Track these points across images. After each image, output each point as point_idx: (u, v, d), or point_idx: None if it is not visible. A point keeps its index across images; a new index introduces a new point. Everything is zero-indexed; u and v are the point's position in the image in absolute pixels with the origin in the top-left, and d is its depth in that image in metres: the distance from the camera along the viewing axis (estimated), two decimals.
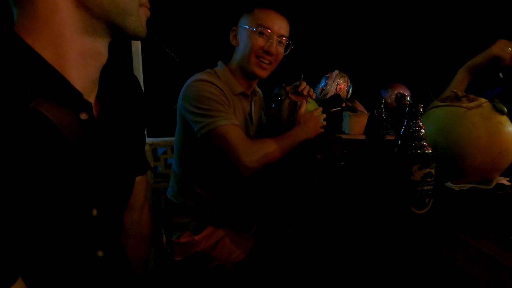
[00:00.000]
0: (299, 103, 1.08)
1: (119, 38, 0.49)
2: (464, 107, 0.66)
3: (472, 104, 0.66)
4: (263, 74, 1.02)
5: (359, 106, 1.76)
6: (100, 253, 0.49)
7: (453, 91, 0.70)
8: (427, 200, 0.53)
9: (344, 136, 1.37)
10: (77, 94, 0.43)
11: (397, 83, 1.94)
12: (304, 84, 1.13)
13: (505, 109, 0.65)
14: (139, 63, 1.65)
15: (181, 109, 0.97)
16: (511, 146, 0.64)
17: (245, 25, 1.00)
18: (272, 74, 1.08)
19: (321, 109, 1.10)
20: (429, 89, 0.99)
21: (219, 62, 1.08)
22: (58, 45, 0.42)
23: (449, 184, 0.68)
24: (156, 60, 1.89)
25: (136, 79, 0.62)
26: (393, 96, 1.90)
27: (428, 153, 0.52)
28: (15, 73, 0.39)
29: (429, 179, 0.52)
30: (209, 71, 1.03)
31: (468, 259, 0.44)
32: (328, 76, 1.82)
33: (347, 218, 0.69)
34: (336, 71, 1.83)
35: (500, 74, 0.97)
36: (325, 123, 1.08)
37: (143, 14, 0.48)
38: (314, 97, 1.16)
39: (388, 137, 1.20)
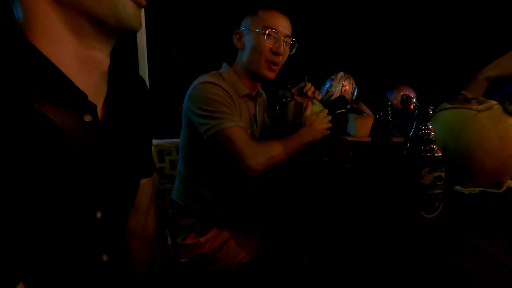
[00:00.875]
0: (304, 104, 1.08)
1: (112, 37, 0.45)
2: (474, 110, 0.65)
3: (482, 107, 0.65)
4: (272, 76, 1.03)
5: (364, 108, 1.74)
6: (105, 257, 0.48)
7: (462, 93, 0.69)
8: (436, 204, 0.53)
9: (350, 138, 1.37)
10: (82, 95, 0.42)
11: (403, 85, 1.93)
12: (309, 85, 1.13)
13: None
14: (145, 65, 1.66)
15: (187, 111, 0.97)
16: None
17: (250, 28, 1.00)
18: (277, 75, 1.08)
19: (326, 110, 1.10)
20: (438, 92, 0.98)
21: (224, 64, 1.08)
22: (56, 45, 0.41)
23: (458, 187, 0.67)
24: (161, 62, 1.90)
25: (143, 81, 0.62)
26: (399, 98, 1.89)
27: (438, 156, 0.52)
28: (21, 73, 0.38)
29: (439, 183, 0.52)
30: (214, 73, 1.03)
31: (478, 263, 0.43)
32: (333, 78, 1.81)
33: (354, 220, 0.69)
34: (341, 73, 1.82)
35: None
36: (330, 124, 1.08)
37: None
38: (319, 98, 1.15)
39: (394, 139, 1.19)
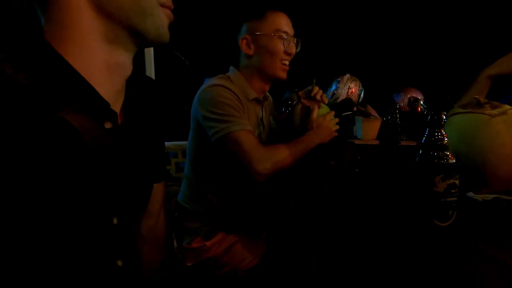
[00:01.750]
0: (311, 107, 1.07)
1: (143, 46, 0.48)
2: (487, 114, 0.64)
3: (495, 111, 0.64)
4: (285, 76, 1.06)
5: (371, 110, 1.73)
6: (119, 263, 0.48)
7: (475, 98, 0.68)
8: (450, 212, 0.51)
9: (357, 141, 1.35)
10: (105, 103, 0.43)
11: (410, 87, 1.90)
12: (316, 88, 1.12)
13: None
14: (151, 67, 1.66)
15: (196, 114, 0.97)
16: None
17: (261, 32, 1.00)
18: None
19: (333, 113, 1.09)
20: (448, 95, 0.96)
21: (231, 68, 1.08)
22: (84, 53, 0.42)
23: (471, 194, 0.66)
24: (167, 64, 1.90)
25: (157, 85, 0.62)
26: (406, 100, 1.87)
27: (452, 163, 0.51)
28: (47, 82, 0.39)
29: (453, 191, 0.50)
30: (223, 76, 1.03)
31: (490, 272, 0.42)
32: (339, 80, 1.80)
33: (363, 224, 0.68)
34: (348, 75, 1.80)
35: None
36: (338, 126, 1.07)
37: (164, 14, 0.46)
38: (326, 101, 1.15)
39: (403, 143, 1.17)
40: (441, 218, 0.51)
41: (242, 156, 0.89)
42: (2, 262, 0.37)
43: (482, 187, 0.65)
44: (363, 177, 0.93)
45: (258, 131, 1.07)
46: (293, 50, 1.03)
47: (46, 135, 0.38)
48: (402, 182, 0.64)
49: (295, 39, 1.04)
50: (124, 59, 0.46)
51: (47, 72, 0.39)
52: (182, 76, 1.94)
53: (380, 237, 0.59)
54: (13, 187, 0.36)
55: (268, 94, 1.17)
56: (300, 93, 1.16)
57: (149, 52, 1.66)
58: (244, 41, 1.03)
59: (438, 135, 0.52)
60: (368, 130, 1.41)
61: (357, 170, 0.96)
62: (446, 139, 0.52)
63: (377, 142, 1.29)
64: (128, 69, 0.47)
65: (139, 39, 0.45)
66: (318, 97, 1.11)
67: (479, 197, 0.65)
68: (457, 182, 0.51)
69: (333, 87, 1.80)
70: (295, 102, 1.16)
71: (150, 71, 1.67)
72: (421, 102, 1.82)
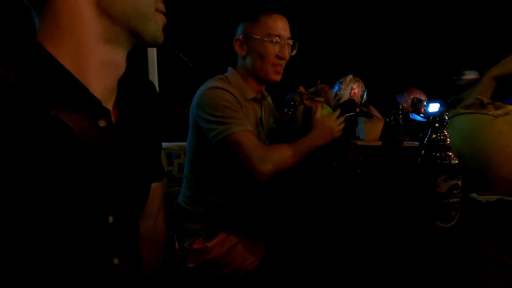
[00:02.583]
0: (314, 108, 1.07)
1: (138, 47, 0.50)
2: (491, 115, 0.63)
3: (499, 112, 0.63)
4: (279, 78, 1.05)
5: (374, 111, 1.72)
6: (115, 261, 0.49)
7: (478, 98, 0.67)
8: (453, 213, 0.51)
9: (359, 142, 1.35)
10: (96, 101, 0.44)
11: (413, 88, 1.90)
12: (322, 87, 1.12)
13: None
14: (154, 68, 1.67)
15: (195, 117, 0.98)
16: None
17: (253, 35, 1.00)
18: (284, 79, 1.08)
19: (337, 113, 1.08)
20: (451, 96, 0.96)
21: (230, 68, 1.08)
22: (79, 53, 0.43)
23: (474, 195, 0.65)
24: (170, 65, 1.91)
25: (153, 86, 0.62)
26: (409, 101, 1.86)
27: (454, 164, 0.50)
28: (39, 82, 0.40)
29: (455, 191, 0.50)
30: (221, 77, 1.04)
31: (492, 273, 0.42)
32: (342, 81, 1.79)
33: (365, 224, 0.67)
34: (350, 76, 1.80)
35: None
36: (343, 125, 1.07)
37: (159, 19, 0.49)
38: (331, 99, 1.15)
39: (405, 144, 1.16)
40: (443, 219, 0.51)
41: (243, 156, 0.89)
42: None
43: (485, 188, 0.65)
44: (365, 178, 0.93)
45: (257, 131, 1.07)
46: (285, 54, 1.01)
47: (40, 133, 0.38)
48: (404, 183, 0.64)
49: (290, 42, 1.03)
50: (119, 58, 0.47)
51: (39, 72, 0.40)
52: (184, 77, 1.94)
53: (382, 238, 0.59)
54: (8, 185, 0.37)
55: (266, 93, 1.17)
56: (302, 89, 1.16)
57: (152, 54, 1.67)
58: (237, 42, 1.04)
59: (440, 136, 0.52)
60: (371, 131, 1.40)
61: (359, 171, 0.96)
62: (448, 139, 0.52)
63: (379, 143, 1.28)
64: (121, 68, 0.48)
65: (137, 40, 0.47)
66: (323, 93, 1.11)
67: (482, 198, 0.64)
68: (459, 183, 0.50)
69: (336, 88, 1.79)
70: (297, 103, 1.16)
71: (153, 72, 1.68)
72: (425, 103, 1.81)
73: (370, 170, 0.98)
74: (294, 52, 1.06)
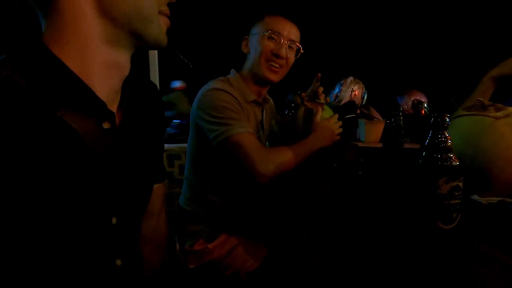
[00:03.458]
0: (314, 110, 1.07)
1: (141, 49, 0.50)
2: (492, 117, 0.63)
3: (500, 114, 0.63)
4: (274, 77, 1.03)
5: (374, 113, 1.73)
6: (118, 262, 0.49)
7: (479, 100, 0.67)
8: (454, 214, 0.51)
9: (360, 144, 1.35)
10: (102, 104, 0.44)
11: (414, 90, 1.90)
12: (321, 88, 1.12)
13: None
14: (155, 70, 1.68)
15: (196, 118, 0.98)
16: None
17: (255, 32, 1.03)
18: (285, 81, 1.08)
19: (337, 116, 1.09)
20: (452, 97, 0.96)
21: (232, 70, 1.09)
22: (83, 55, 0.43)
23: (475, 197, 0.65)
24: (172, 67, 1.92)
25: (155, 88, 0.63)
26: (410, 103, 1.86)
27: (455, 166, 0.50)
28: (45, 83, 0.40)
29: (456, 193, 0.50)
30: (222, 79, 1.04)
31: (493, 274, 0.42)
32: (342, 83, 1.80)
33: (365, 226, 0.67)
34: (351, 78, 1.81)
35: None
36: (341, 130, 1.07)
37: (163, 22, 0.49)
38: (328, 101, 1.15)
39: (406, 145, 1.16)
40: (445, 220, 0.51)
41: (244, 158, 0.89)
42: (2, 261, 0.38)
43: (486, 189, 0.65)
44: (365, 179, 0.93)
45: (257, 133, 1.08)
46: (282, 52, 0.99)
47: (44, 134, 0.39)
48: (405, 184, 0.64)
49: (292, 45, 1.02)
50: (123, 59, 0.47)
51: (44, 74, 0.41)
52: (186, 78, 1.95)
53: (383, 239, 0.59)
54: (13, 186, 0.37)
55: (268, 97, 1.18)
56: (303, 94, 1.16)
57: (154, 56, 1.68)
58: (245, 41, 1.06)
59: (441, 138, 0.52)
60: (371, 132, 1.41)
61: (360, 172, 0.96)
62: (449, 141, 0.52)
63: (380, 144, 1.28)
64: (126, 70, 0.49)
65: (139, 42, 0.47)
66: (320, 93, 1.11)
67: (483, 200, 0.64)
68: (460, 184, 0.50)
69: (336, 90, 1.80)
70: (298, 105, 1.17)
71: (154, 74, 1.69)
72: (425, 105, 1.82)
73: (371, 171, 0.98)
74: (296, 56, 1.06)
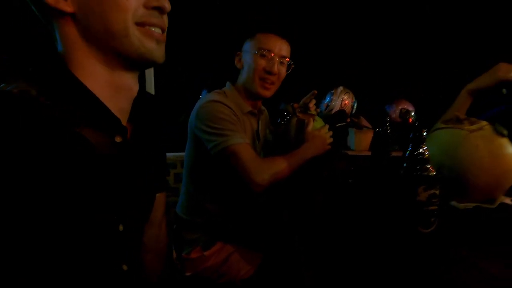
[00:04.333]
0: (306, 121, 1.12)
1: (142, 67, 0.51)
2: (466, 130, 0.69)
3: (473, 127, 0.69)
4: (267, 94, 1.09)
5: (364, 121, 1.78)
6: (124, 267, 0.52)
7: (455, 114, 0.73)
8: (432, 219, 0.56)
9: (350, 152, 1.40)
10: (116, 120, 0.48)
11: (402, 99, 1.97)
12: (313, 101, 1.18)
13: (506, 131, 0.68)
14: (151, 79, 1.71)
15: (194, 129, 1.02)
16: None
17: (248, 49, 1.08)
18: (278, 90, 1.13)
19: (327, 126, 1.14)
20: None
21: (228, 83, 1.13)
22: (91, 76, 0.46)
23: (454, 203, 0.71)
24: (167, 76, 1.95)
25: (157, 100, 0.66)
26: (398, 112, 1.93)
27: (432, 175, 0.56)
28: (65, 101, 0.44)
29: (434, 200, 0.55)
30: (219, 92, 1.09)
31: (470, 276, 0.45)
32: (333, 92, 1.86)
33: (355, 233, 0.71)
34: (341, 87, 1.87)
35: (504, 90, 0.99)
36: (332, 140, 1.12)
37: (142, 34, 0.45)
38: (318, 110, 1.20)
39: (394, 153, 1.22)
40: (424, 224, 0.56)
41: (240, 168, 0.93)
42: (13, 267, 0.41)
43: (464, 196, 0.70)
44: (355, 187, 0.97)
45: (253, 143, 1.12)
46: (273, 69, 1.04)
47: (64, 148, 0.42)
48: (390, 192, 0.69)
49: (284, 60, 1.07)
50: (128, 81, 0.49)
51: (66, 92, 0.44)
52: (181, 88, 1.98)
53: (372, 246, 0.63)
54: (30, 193, 0.40)
55: (263, 108, 1.22)
56: (295, 105, 1.21)
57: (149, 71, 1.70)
58: (237, 57, 1.11)
59: (420, 150, 0.57)
60: (361, 141, 1.46)
61: (350, 180, 1.01)
62: (427, 153, 0.57)
63: (369, 153, 1.34)
64: (133, 91, 0.51)
65: (127, 61, 0.46)
66: (311, 105, 1.16)
67: (461, 206, 0.70)
68: (437, 192, 0.55)
69: (327, 99, 1.86)
70: (290, 115, 1.22)
71: (150, 84, 1.72)
72: (412, 114, 1.89)
73: (361, 179, 1.03)
74: (287, 70, 1.10)
